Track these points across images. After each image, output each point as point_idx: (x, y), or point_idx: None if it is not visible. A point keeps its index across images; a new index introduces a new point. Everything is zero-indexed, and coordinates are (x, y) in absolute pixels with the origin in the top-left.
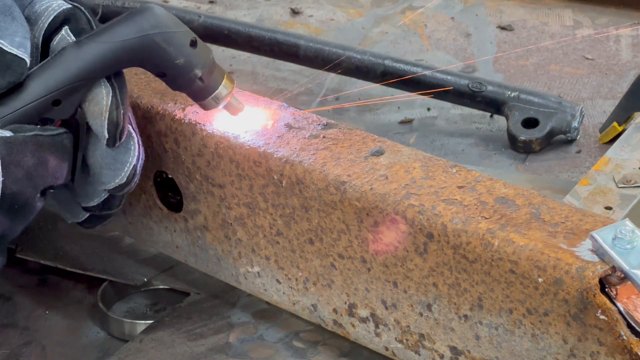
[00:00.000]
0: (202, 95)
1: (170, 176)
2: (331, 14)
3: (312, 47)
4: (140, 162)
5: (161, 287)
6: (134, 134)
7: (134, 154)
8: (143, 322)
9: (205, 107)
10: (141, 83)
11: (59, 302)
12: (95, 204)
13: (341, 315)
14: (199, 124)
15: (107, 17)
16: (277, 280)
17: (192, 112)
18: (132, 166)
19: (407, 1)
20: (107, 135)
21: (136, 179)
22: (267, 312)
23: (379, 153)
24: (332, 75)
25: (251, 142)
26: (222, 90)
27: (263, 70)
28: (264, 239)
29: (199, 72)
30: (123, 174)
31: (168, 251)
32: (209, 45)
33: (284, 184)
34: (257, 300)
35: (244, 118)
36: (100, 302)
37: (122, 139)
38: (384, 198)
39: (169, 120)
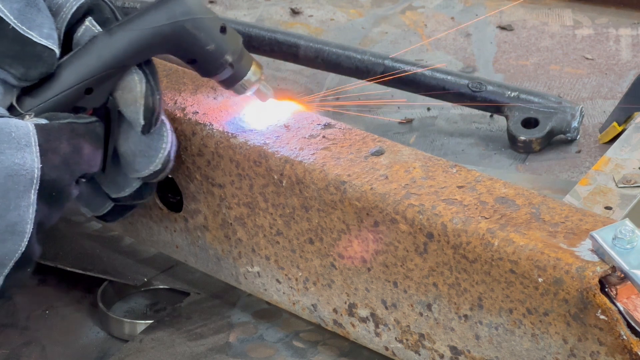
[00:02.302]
0: (231, 81)
1: (170, 176)
2: (331, 14)
3: (312, 47)
4: (174, 148)
5: (161, 287)
6: (165, 121)
7: (167, 140)
8: (143, 322)
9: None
10: None
11: (59, 302)
12: (127, 194)
13: (341, 315)
14: (199, 124)
15: None
16: (277, 280)
17: (192, 112)
18: (166, 152)
19: (407, 1)
20: (142, 122)
21: (170, 165)
22: (267, 312)
23: (379, 153)
24: (332, 75)
25: (251, 142)
26: (250, 76)
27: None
28: (264, 238)
29: (229, 58)
30: (157, 160)
31: (168, 251)
32: None
33: (284, 184)
34: (257, 300)
35: (244, 117)
36: (100, 302)
37: (157, 126)
38: (384, 198)
39: (169, 120)
